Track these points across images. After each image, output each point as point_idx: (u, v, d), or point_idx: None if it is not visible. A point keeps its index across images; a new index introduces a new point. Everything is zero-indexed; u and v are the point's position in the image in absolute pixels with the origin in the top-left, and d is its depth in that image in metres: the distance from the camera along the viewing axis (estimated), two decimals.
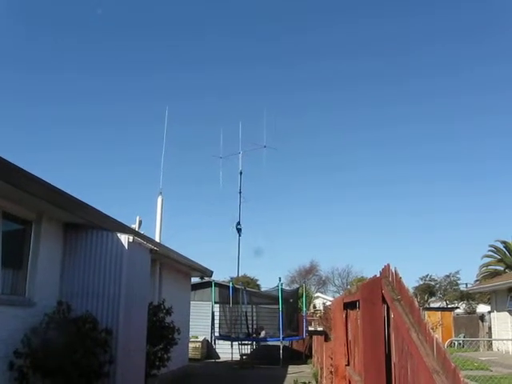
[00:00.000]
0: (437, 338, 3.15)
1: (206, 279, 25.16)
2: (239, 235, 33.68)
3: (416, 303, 3.65)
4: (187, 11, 68.25)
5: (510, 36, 68.82)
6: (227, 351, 23.63)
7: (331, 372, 9.34)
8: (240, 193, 34.55)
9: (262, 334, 23.93)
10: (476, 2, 65.66)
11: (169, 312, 13.68)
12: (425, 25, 70.91)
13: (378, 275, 4.70)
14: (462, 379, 2.63)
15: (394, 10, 69.99)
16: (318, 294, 61.02)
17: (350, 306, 7.00)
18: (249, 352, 24.40)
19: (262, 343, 24.57)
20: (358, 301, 5.41)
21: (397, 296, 3.94)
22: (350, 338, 7.29)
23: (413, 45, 72.19)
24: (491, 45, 69.66)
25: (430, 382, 2.86)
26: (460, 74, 72.78)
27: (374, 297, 4.45)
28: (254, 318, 25.15)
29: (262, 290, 33.94)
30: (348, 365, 7.30)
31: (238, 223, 33.54)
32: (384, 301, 4.38)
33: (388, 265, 4.46)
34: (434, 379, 2.83)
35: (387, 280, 4.28)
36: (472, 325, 35.36)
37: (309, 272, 69.18)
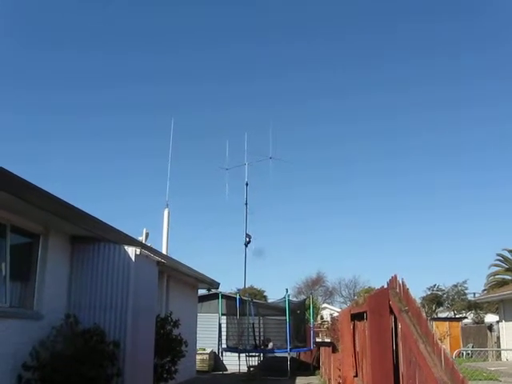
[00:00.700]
0: (444, 349, 3.16)
1: (213, 291, 25.11)
2: (246, 246, 33.57)
3: (424, 314, 3.66)
4: (192, 23, 68.67)
5: None
6: (235, 363, 23.52)
7: (339, 383, 9.32)
8: (246, 204, 34.45)
9: (270, 345, 23.82)
10: None
11: (176, 324, 13.68)
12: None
13: (386, 286, 4.71)
14: None
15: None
16: (325, 305, 60.91)
17: (357, 317, 7.00)
18: (256, 364, 24.30)
19: (270, 355, 24.46)
20: (366, 312, 5.42)
21: (404, 307, 3.95)
22: (357, 349, 7.28)
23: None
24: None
25: None
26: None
27: (382, 308, 4.46)
28: (262, 330, 25.04)
29: (269, 301, 33.85)
30: (356, 376, 7.29)
31: (248, 236, 33.39)
32: (391, 312, 4.38)
33: (395, 276, 4.47)
34: None
35: (394, 291, 4.30)
36: (480, 335, 35.12)
37: (316, 283, 69.05)
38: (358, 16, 72.10)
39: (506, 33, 64.67)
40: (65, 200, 9.21)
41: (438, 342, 3.28)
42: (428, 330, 3.45)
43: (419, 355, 3.39)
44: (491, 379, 19.30)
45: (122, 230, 11.48)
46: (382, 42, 73.59)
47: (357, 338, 7.26)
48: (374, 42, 74.08)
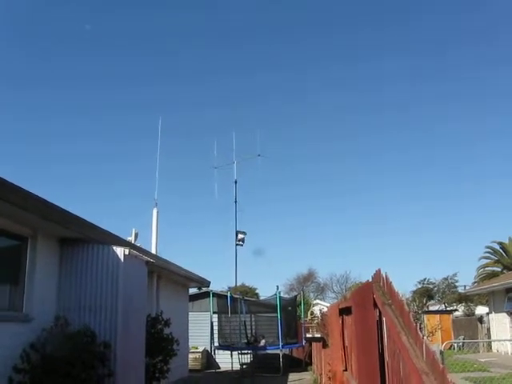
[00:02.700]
0: (426, 341, 3.22)
1: (204, 289, 25.15)
2: (241, 245, 33.54)
3: (406, 307, 3.72)
4: (180, 23, 68.51)
5: None
6: (227, 361, 23.59)
7: (329, 378, 9.39)
8: (236, 202, 34.44)
9: (262, 342, 23.89)
10: None
11: (167, 323, 13.69)
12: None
13: (371, 280, 4.77)
14: (449, 380, 2.71)
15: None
16: (317, 301, 61.03)
17: (345, 311, 7.06)
18: (249, 361, 24.37)
19: (262, 352, 24.55)
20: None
21: (387, 300, 4.01)
22: (346, 344, 7.34)
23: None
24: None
25: (420, 383, 2.93)
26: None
27: (366, 302, 4.52)
28: (253, 327, 25.14)
29: (261, 298, 33.94)
30: (346, 370, 7.35)
31: (242, 233, 33.38)
32: (376, 305, 4.44)
33: (379, 270, 4.53)
34: (423, 380, 2.90)
35: (378, 285, 4.35)
36: (471, 327, 35.38)
37: (307, 279, 69.24)
38: (347, 13, 72.10)
39: None
40: (53, 202, 9.21)
41: (420, 333, 3.33)
42: (410, 322, 3.51)
43: (402, 347, 3.45)
44: (481, 370, 19.49)
45: (111, 230, 11.49)
46: (367, 37, 73.56)
47: (345, 332, 7.32)
48: (359, 39, 74.08)
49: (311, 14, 69.84)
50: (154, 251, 19.23)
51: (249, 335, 24.26)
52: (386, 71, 73.34)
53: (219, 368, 24.73)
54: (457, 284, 55.99)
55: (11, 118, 64.06)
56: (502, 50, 68.18)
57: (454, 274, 56.47)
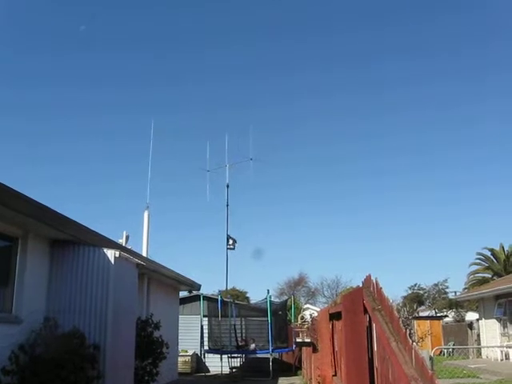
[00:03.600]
0: (415, 347, 3.22)
1: (195, 293, 25.11)
2: (232, 249, 33.56)
3: (395, 313, 3.73)
4: (173, 25, 68.49)
5: None
6: (217, 365, 23.54)
7: (319, 382, 9.39)
8: (227, 206, 34.52)
9: (252, 346, 23.87)
10: None
11: (157, 326, 13.68)
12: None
13: (361, 286, 4.78)
14: None
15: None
16: (308, 306, 61.03)
17: (335, 316, 7.06)
18: (238, 365, 24.34)
19: (252, 356, 24.52)
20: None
21: (377, 306, 4.02)
22: (336, 349, 7.35)
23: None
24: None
25: None
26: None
27: (356, 307, 4.53)
28: (243, 331, 25.11)
29: (252, 302, 33.88)
30: (335, 375, 7.36)
31: (232, 239, 33.41)
32: (366, 311, 4.45)
33: (369, 275, 4.54)
34: None
35: (368, 290, 4.36)
36: (461, 333, 35.43)
37: (298, 283, 69.20)
38: (345, 15, 72.31)
39: None
40: (43, 203, 9.19)
41: (409, 339, 3.34)
42: (400, 327, 3.52)
43: (391, 353, 3.45)
44: (470, 376, 19.53)
45: (102, 232, 11.49)
46: (368, 41, 73.73)
47: (335, 337, 7.33)
48: (361, 42, 74.29)
49: (296, 15, 69.95)
50: (144, 254, 19.23)
51: (239, 339, 24.24)
52: (385, 74, 73.53)
53: (209, 372, 24.68)
54: (447, 290, 56.16)
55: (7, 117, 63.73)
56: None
57: (445, 280, 56.62)
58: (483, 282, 44.46)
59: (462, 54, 70.21)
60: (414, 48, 73.89)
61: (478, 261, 49.71)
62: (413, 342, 3.32)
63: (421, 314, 47.09)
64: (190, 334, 24.00)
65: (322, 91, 76.91)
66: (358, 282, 4.87)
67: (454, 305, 50.11)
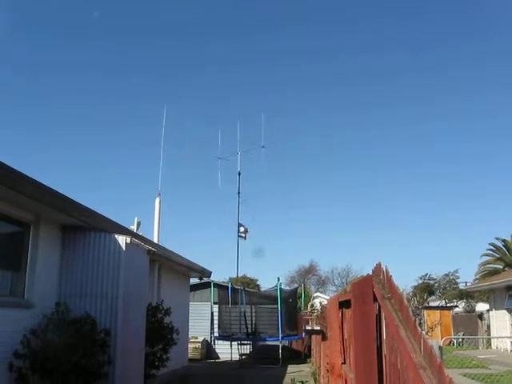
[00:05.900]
0: (424, 335, 3.22)
1: (205, 280, 25.20)
2: (243, 237, 33.63)
3: (405, 301, 3.72)
4: (187, 15, 68.32)
5: None
6: (227, 351, 23.69)
7: (328, 370, 9.41)
8: (239, 193, 34.59)
9: (262, 334, 23.99)
10: None
11: (167, 312, 13.74)
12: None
13: (371, 273, 4.77)
14: (446, 375, 2.71)
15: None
16: (318, 294, 61.10)
17: (345, 304, 7.06)
18: (248, 352, 24.47)
19: (262, 343, 24.63)
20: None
21: (387, 294, 4.01)
22: (345, 337, 7.35)
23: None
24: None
25: (417, 378, 2.94)
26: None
27: (365, 295, 4.52)
28: (254, 318, 25.22)
29: (262, 290, 34.00)
30: (344, 363, 7.37)
31: (243, 227, 33.46)
32: (375, 299, 4.44)
33: (379, 263, 4.52)
34: (420, 375, 2.90)
35: (378, 278, 4.35)
36: (471, 323, 35.43)
37: (308, 272, 69.26)
38: (354, 5, 71.82)
39: None
40: (56, 189, 9.24)
41: (419, 328, 3.34)
42: (409, 316, 3.51)
43: (400, 341, 3.45)
44: (479, 367, 19.52)
45: (113, 219, 11.53)
46: (369, 32, 73.27)
47: (345, 325, 7.34)
48: (365, 32, 73.80)
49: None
50: (156, 240, 19.28)
51: (249, 326, 24.34)
52: (389, 65, 73.02)
53: (219, 358, 24.84)
54: (458, 280, 56.06)
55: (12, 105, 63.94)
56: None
57: (456, 271, 56.53)
58: (494, 272, 44.33)
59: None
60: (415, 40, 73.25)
61: (490, 252, 49.56)
62: (422, 331, 3.32)
63: (431, 304, 47.08)
64: (200, 320, 24.13)
65: (335, 80, 76.57)
66: (368, 270, 4.87)
67: (465, 295, 50.03)
